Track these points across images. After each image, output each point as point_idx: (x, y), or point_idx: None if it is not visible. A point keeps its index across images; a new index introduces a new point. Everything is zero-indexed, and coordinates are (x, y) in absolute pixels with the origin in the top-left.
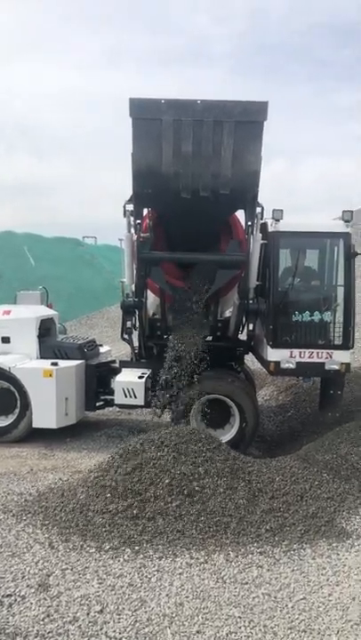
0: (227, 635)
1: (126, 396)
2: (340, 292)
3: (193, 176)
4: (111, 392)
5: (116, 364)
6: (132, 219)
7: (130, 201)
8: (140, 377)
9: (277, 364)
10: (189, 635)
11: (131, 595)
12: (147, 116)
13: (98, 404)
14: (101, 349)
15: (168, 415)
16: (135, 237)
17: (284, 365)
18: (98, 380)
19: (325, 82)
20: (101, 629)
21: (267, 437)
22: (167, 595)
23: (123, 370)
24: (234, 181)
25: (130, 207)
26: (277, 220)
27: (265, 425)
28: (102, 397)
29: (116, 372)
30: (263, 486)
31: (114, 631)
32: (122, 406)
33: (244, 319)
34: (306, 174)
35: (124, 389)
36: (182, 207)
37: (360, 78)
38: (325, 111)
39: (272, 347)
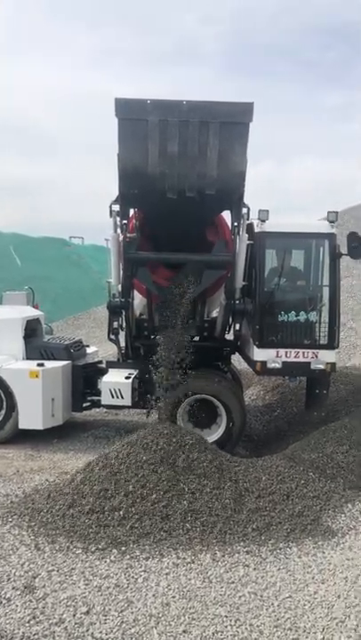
0: (213, 634)
1: (113, 397)
2: (326, 292)
3: (179, 176)
4: (98, 393)
5: (103, 365)
6: (118, 219)
7: (116, 201)
8: (127, 377)
9: (264, 363)
10: (176, 635)
11: (117, 595)
12: (132, 116)
13: (85, 405)
14: (88, 350)
15: (156, 415)
16: (121, 238)
17: (271, 365)
18: (84, 380)
19: (314, 82)
20: (87, 631)
21: (254, 437)
22: (154, 595)
23: (110, 370)
24: (220, 182)
25: (116, 207)
26: (263, 221)
27: (252, 424)
28: (89, 398)
29: (103, 372)
30: (250, 486)
31: (100, 632)
32: (109, 407)
33: (230, 319)
34: (294, 175)
35: (110, 390)
36: (168, 207)
37: (347, 80)
38: (314, 111)
39: (258, 346)
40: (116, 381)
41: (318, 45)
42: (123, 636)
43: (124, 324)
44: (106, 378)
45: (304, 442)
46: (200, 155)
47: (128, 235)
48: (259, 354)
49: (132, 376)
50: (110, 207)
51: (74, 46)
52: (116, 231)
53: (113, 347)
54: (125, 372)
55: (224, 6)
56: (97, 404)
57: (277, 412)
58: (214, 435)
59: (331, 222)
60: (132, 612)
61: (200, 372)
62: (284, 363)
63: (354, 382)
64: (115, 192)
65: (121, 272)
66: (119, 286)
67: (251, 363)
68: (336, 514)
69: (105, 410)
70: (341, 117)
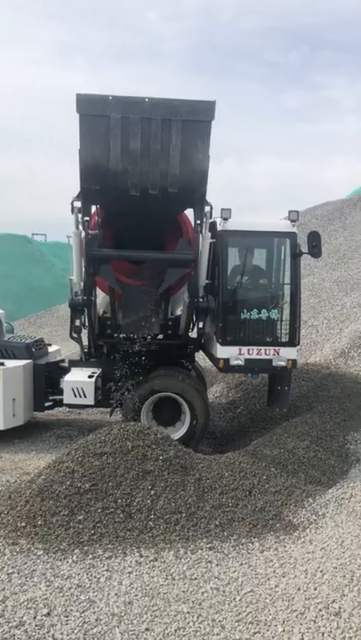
0: (175, 630)
1: (76, 396)
2: (287, 290)
3: (141, 174)
4: (60, 392)
5: (66, 364)
6: (80, 215)
7: (78, 197)
8: (90, 376)
9: (227, 361)
10: (138, 633)
11: (79, 596)
12: (94, 112)
13: (47, 405)
14: (50, 349)
15: (119, 414)
16: (83, 234)
17: (234, 362)
18: (46, 379)
19: (275, 83)
20: (48, 632)
21: (217, 434)
22: (116, 594)
23: (72, 369)
24: (182, 180)
25: (78, 204)
26: (226, 219)
27: (215, 421)
28: (51, 397)
29: (66, 371)
30: (213, 482)
31: (61, 633)
32: (71, 406)
33: (194, 317)
34: (255, 174)
35: (73, 389)
36: (131, 205)
37: (307, 81)
38: (275, 112)
39: (221, 344)
40: (79, 380)
41: (279, 47)
42: (84, 637)
43: (86, 323)
44: (68, 377)
45: (266, 438)
46: (162, 152)
47: (90, 232)
48: (222, 351)
49: (95, 375)
50: (72, 203)
51: (36, 41)
52: (77, 228)
53: (76, 345)
54: (88, 370)
55: (185, 4)
56: (59, 404)
57: (240, 409)
58: (178, 432)
59: (292, 221)
60: (94, 612)
61: (164, 370)
62: (246, 360)
63: (314, 379)
64: (78, 188)
65: (83, 269)
66: (81, 284)
67: (214, 360)
68: (297, 508)
69: (68, 409)
70: (301, 118)
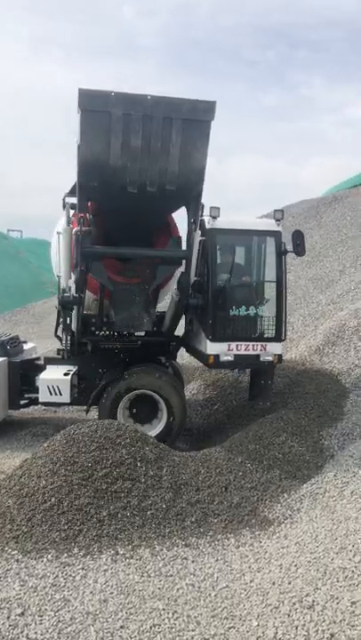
0: (150, 627)
1: (51, 394)
2: (273, 287)
3: (140, 171)
4: (36, 390)
5: (41, 361)
6: (71, 212)
7: (70, 193)
8: (66, 374)
9: (217, 357)
10: (113, 631)
11: (54, 595)
12: (96, 107)
13: (22, 403)
14: (25, 346)
15: (95, 412)
16: (74, 231)
17: (223, 358)
18: (22, 377)
19: (252, 81)
20: (22, 632)
21: (194, 431)
22: (91, 592)
23: (48, 367)
24: (180, 178)
25: (69, 200)
26: (215, 218)
27: (192, 418)
28: (27, 395)
29: (41, 369)
30: (189, 479)
31: (35, 633)
32: (47, 404)
33: (181, 314)
34: (234, 172)
35: (49, 387)
36: (126, 202)
37: (286, 80)
38: (253, 110)
39: (212, 340)
40: (55, 378)
41: (256, 45)
42: (58, 636)
43: (72, 320)
44: (44, 375)
45: (242, 434)
46: (162, 150)
47: (83, 228)
48: (212, 347)
49: (71, 372)
50: (64, 199)
51: (10, 36)
52: (68, 224)
53: (52, 343)
54: (64, 368)
55: (160, 1)
56: (35, 402)
57: (217, 406)
58: (155, 429)
59: (277, 220)
60: (69, 611)
61: (141, 367)
62: (235, 355)
63: (290, 375)
64: (55, 184)
65: (72, 267)
66: (70, 281)
67: (203, 356)
68: (273, 504)
69: (43, 407)
70: (279, 116)
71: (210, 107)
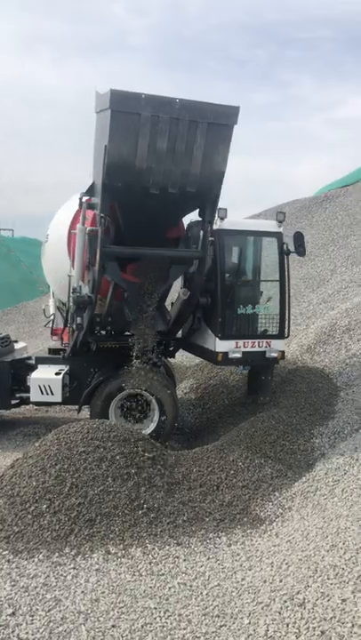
0: (142, 626)
1: (43, 393)
2: (277, 286)
3: (164, 172)
4: (27, 389)
5: (32, 361)
6: (87, 211)
7: (87, 193)
8: (58, 373)
9: (225, 354)
10: (104, 630)
11: (45, 595)
12: (126, 109)
13: (13, 402)
14: (16, 345)
15: (87, 411)
16: (88, 230)
17: (232, 355)
18: (13, 377)
19: (242, 80)
20: (13, 632)
21: (186, 429)
22: (83, 592)
23: (39, 366)
24: (202, 180)
25: (86, 199)
26: (222, 219)
27: (184, 417)
28: (18, 395)
29: (32, 368)
30: (181, 478)
31: (26, 633)
32: (38, 404)
33: (189, 314)
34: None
35: (40, 386)
36: (146, 202)
37: (275, 79)
38: (243, 109)
39: (221, 338)
40: (46, 377)
41: (246, 44)
42: (50, 635)
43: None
44: (35, 374)
45: (234, 433)
46: (187, 153)
47: (94, 228)
48: (221, 345)
49: (63, 372)
50: (80, 199)
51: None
52: (83, 224)
53: (43, 342)
54: (55, 367)
55: None
56: (26, 401)
57: (209, 405)
58: (147, 429)
59: (279, 222)
60: (60, 611)
61: (133, 366)
62: (243, 352)
63: (281, 374)
64: (48, 183)
65: (85, 266)
66: (80, 280)
67: (210, 354)
68: (264, 502)
69: (35, 407)
70: (269, 115)
71: (234, 112)
